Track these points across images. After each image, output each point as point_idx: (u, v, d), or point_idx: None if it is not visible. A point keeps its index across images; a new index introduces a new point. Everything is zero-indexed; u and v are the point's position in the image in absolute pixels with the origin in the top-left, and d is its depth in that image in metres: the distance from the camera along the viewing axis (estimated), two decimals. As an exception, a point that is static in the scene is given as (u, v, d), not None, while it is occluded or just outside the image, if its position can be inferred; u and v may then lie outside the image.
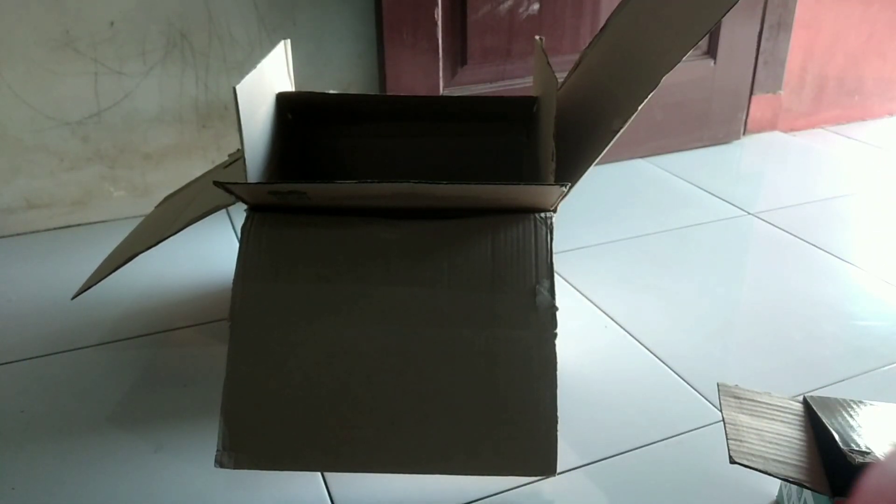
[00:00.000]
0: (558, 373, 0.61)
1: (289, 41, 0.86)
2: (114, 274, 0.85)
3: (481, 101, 0.91)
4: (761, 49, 1.50)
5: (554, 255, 0.65)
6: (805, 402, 0.66)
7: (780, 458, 0.59)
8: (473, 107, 0.89)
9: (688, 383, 0.83)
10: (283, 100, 0.82)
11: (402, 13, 1.22)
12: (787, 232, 1.20)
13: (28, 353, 0.89)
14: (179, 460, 0.71)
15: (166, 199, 1.01)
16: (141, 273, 1.05)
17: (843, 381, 0.83)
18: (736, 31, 1.45)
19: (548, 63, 0.74)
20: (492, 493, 0.66)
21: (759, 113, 1.58)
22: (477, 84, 1.33)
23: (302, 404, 0.61)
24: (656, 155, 1.45)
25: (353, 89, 1.29)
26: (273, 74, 0.80)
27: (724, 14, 0.64)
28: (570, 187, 0.65)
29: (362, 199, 0.65)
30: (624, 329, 0.93)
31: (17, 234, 1.20)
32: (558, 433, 0.61)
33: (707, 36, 1.42)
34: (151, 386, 0.83)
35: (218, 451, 0.61)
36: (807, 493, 0.62)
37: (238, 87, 0.65)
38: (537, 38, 0.82)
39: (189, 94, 1.21)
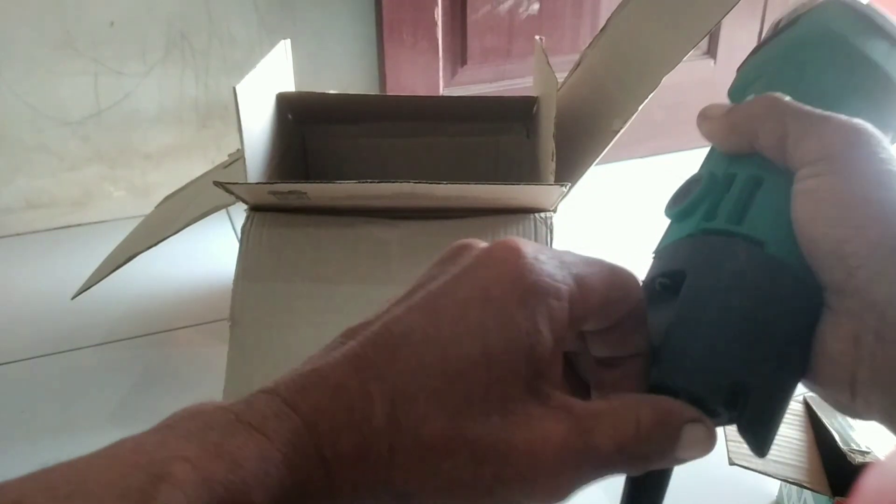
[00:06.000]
0: (558, 373, 0.61)
1: (289, 41, 0.86)
2: (114, 274, 0.85)
3: (481, 101, 0.91)
4: (761, 49, 1.50)
5: (554, 256, 0.65)
6: (805, 403, 0.66)
7: (780, 459, 0.59)
8: (473, 107, 0.89)
9: (688, 383, 0.82)
10: (283, 100, 0.82)
11: (402, 13, 1.22)
12: (787, 232, 1.20)
13: (28, 353, 0.89)
14: (179, 460, 0.71)
15: (166, 198, 1.01)
16: (141, 273, 1.05)
17: (843, 381, 0.83)
18: (736, 32, 1.45)
19: (548, 63, 0.74)
20: (492, 493, 0.66)
21: (760, 113, 1.58)
22: (477, 84, 1.33)
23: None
24: (656, 155, 1.45)
25: (353, 89, 1.29)
26: (273, 74, 0.80)
27: (725, 14, 0.64)
28: (570, 187, 0.65)
29: (362, 199, 0.65)
30: (624, 329, 0.93)
31: (18, 234, 1.20)
32: (558, 433, 0.61)
33: (707, 36, 1.41)
34: (151, 386, 0.83)
35: (218, 451, 0.60)
36: (807, 494, 0.62)
37: (238, 88, 0.65)
38: (537, 38, 0.82)
39: (189, 94, 1.21)
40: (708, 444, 0.25)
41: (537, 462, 0.23)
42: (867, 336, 0.24)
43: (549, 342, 0.24)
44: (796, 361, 0.25)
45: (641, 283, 0.28)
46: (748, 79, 0.31)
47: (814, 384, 0.26)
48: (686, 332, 0.25)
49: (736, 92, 0.32)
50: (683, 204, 0.28)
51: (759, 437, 0.25)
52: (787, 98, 0.27)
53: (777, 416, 0.26)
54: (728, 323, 0.24)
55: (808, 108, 0.26)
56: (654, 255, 0.29)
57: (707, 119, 0.29)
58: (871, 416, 0.25)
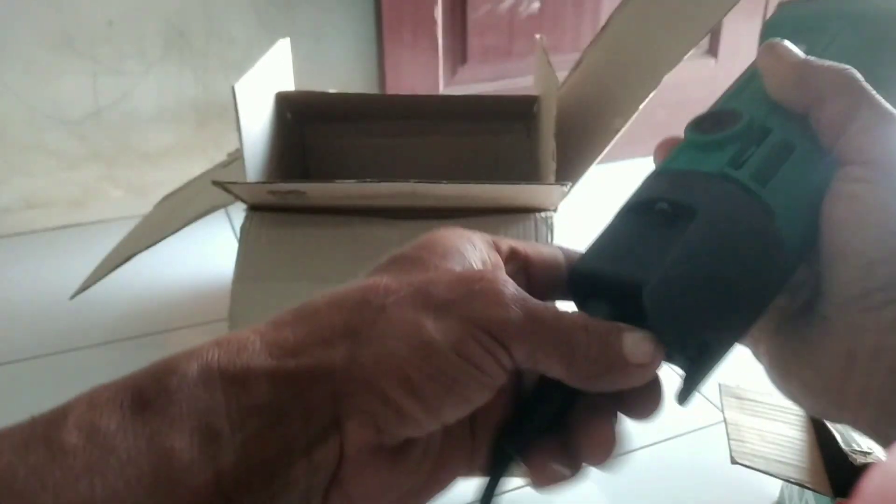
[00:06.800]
0: (559, 373, 0.61)
1: (288, 40, 0.86)
2: (113, 274, 0.85)
3: (481, 101, 0.91)
4: (762, 48, 1.49)
5: (554, 255, 0.65)
6: (807, 403, 0.66)
7: (782, 459, 0.59)
8: (473, 106, 0.89)
9: (689, 383, 0.82)
10: (282, 99, 0.82)
11: (402, 12, 1.22)
12: (787, 231, 1.19)
13: (28, 353, 0.89)
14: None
15: (165, 198, 1.01)
16: (141, 273, 1.04)
17: (844, 381, 0.83)
18: (737, 30, 1.44)
19: (548, 62, 0.74)
20: (492, 493, 0.66)
21: (760, 112, 1.58)
22: (477, 83, 1.33)
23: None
24: (657, 154, 1.45)
25: (353, 88, 1.29)
26: (272, 74, 0.79)
27: (726, 13, 0.64)
28: (571, 187, 0.65)
29: (362, 198, 0.65)
30: (624, 329, 0.93)
31: (16, 234, 1.20)
32: (559, 434, 0.61)
33: (708, 35, 1.41)
34: (150, 386, 0.83)
35: (217, 451, 0.60)
36: (808, 494, 0.62)
37: (237, 86, 0.64)
38: (538, 36, 0.82)
39: (188, 93, 1.21)
40: (657, 352, 0.23)
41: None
42: (863, 353, 0.23)
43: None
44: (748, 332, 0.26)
45: (635, 192, 0.27)
46: (801, 23, 0.29)
47: (802, 393, 0.26)
48: (679, 279, 0.24)
49: (779, 29, 0.29)
50: (714, 135, 0.27)
51: (689, 390, 0.25)
52: (864, 81, 0.25)
53: (710, 376, 0.25)
54: (721, 286, 0.24)
55: (882, 100, 0.25)
56: (659, 171, 0.28)
57: (776, 57, 0.27)
58: (858, 428, 0.25)
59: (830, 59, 0.27)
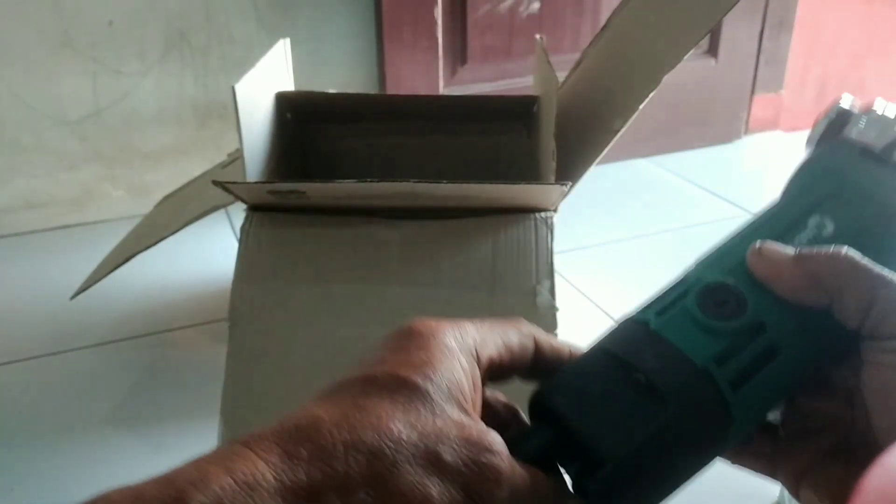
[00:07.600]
0: (559, 373, 0.61)
1: (288, 40, 0.86)
2: (113, 274, 0.85)
3: (481, 101, 0.91)
4: (762, 48, 1.49)
5: (554, 255, 0.65)
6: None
7: (782, 459, 0.59)
8: (473, 106, 0.89)
9: (689, 383, 0.82)
10: (282, 99, 0.82)
11: (402, 12, 1.22)
12: (787, 231, 1.19)
13: (28, 353, 0.89)
14: (179, 460, 0.71)
15: (165, 198, 1.01)
16: (141, 273, 1.04)
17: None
18: (737, 31, 1.44)
19: (548, 62, 0.74)
20: (492, 493, 0.66)
21: (761, 112, 1.58)
22: (477, 83, 1.33)
23: (301, 404, 0.61)
24: (657, 154, 1.45)
25: (353, 89, 1.29)
26: (272, 74, 0.79)
27: (726, 13, 0.64)
28: (571, 187, 0.65)
29: (362, 198, 0.65)
30: (624, 329, 0.93)
31: (16, 234, 1.20)
32: (559, 434, 0.60)
33: (708, 35, 1.41)
34: (151, 386, 0.83)
35: (217, 451, 0.60)
36: (808, 494, 0.62)
37: (237, 87, 0.64)
38: (538, 37, 0.82)
39: (188, 93, 1.21)
40: None
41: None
42: None
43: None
44: None
45: (622, 338, 0.28)
46: (824, 187, 0.30)
47: None
48: (625, 477, 0.26)
49: (801, 184, 0.30)
50: (714, 322, 0.27)
51: None
52: (865, 259, 0.26)
53: None
54: (662, 480, 0.27)
55: (889, 275, 0.26)
56: (655, 328, 0.28)
57: (770, 262, 0.27)
58: None
59: (848, 230, 0.28)
